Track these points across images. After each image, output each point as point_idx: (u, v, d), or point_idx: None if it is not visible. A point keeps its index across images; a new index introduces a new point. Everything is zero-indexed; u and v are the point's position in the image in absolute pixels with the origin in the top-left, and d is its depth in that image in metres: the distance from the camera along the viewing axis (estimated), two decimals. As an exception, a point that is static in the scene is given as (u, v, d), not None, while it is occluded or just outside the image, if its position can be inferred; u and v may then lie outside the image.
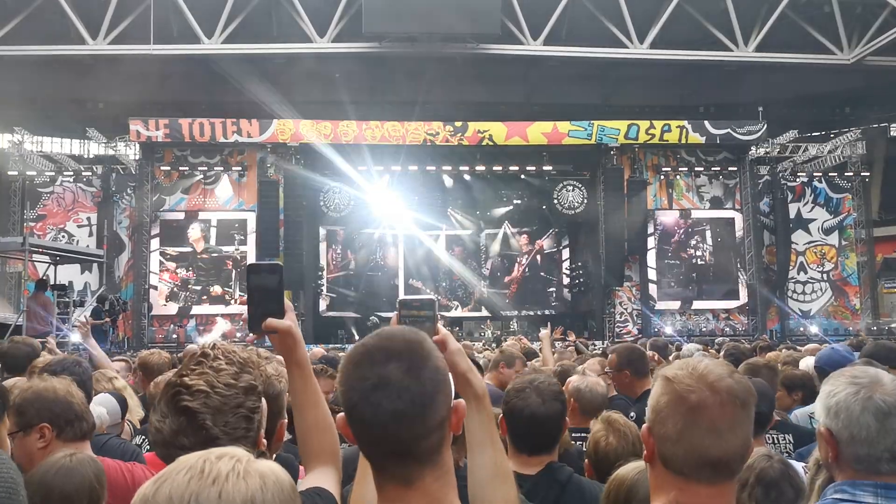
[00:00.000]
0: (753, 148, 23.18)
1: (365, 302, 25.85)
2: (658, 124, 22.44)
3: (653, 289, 23.22)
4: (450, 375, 1.29)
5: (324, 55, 21.25)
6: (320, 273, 25.02)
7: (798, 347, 8.89)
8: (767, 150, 23.51)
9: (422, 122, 22.16)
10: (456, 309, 26.44)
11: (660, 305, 23.24)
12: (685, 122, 22.55)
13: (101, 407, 3.39)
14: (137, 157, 22.28)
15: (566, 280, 26.37)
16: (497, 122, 22.30)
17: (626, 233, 22.34)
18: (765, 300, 23.09)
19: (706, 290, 23.44)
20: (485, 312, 26.48)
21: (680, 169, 23.52)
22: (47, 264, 13.92)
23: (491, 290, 26.71)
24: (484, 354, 8.27)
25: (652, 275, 23.27)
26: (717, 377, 1.42)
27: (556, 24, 20.95)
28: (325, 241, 25.60)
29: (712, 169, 23.57)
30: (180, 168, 22.41)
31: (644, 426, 1.49)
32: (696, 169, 23.55)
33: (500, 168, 23.74)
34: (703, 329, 22.84)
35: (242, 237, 22.50)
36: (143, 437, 3.64)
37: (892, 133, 25.01)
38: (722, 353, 6.12)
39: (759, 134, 22.61)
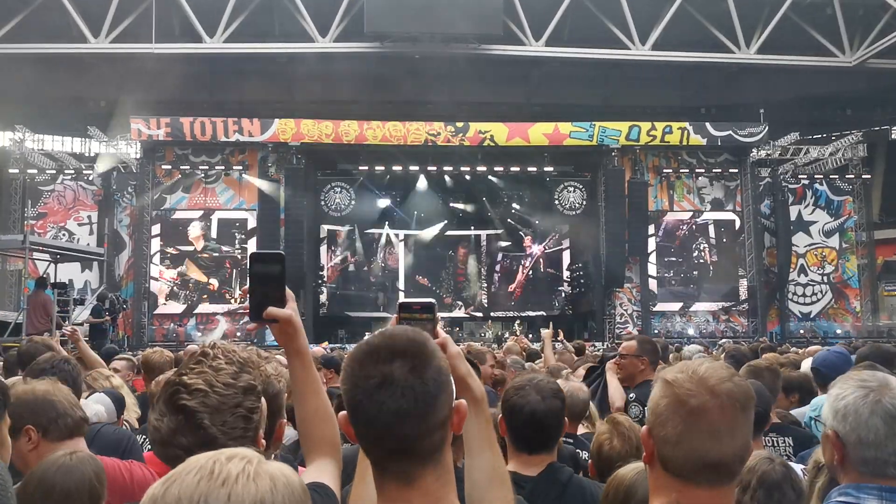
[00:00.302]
0: (755, 150, 23.18)
1: (365, 302, 25.87)
2: (659, 126, 22.44)
3: (653, 290, 23.22)
4: (451, 376, 1.30)
5: (325, 55, 21.25)
6: (321, 272, 25.03)
7: (798, 350, 8.88)
8: (769, 151, 23.51)
9: (423, 122, 22.18)
10: (459, 309, 26.44)
11: (660, 307, 23.25)
12: (686, 124, 22.56)
13: (99, 405, 3.39)
14: (138, 156, 22.28)
15: (567, 281, 26.37)
16: (498, 123, 22.31)
17: (627, 234, 22.34)
18: (765, 302, 23.09)
19: (706, 292, 23.44)
20: (485, 313, 26.48)
21: (681, 170, 23.54)
22: (48, 262, 13.94)
23: (493, 291, 26.71)
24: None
25: (652, 276, 23.28)
26: (717, 381, 1.42)
27: (557, 24, 20.96)
28: (326, 240, 25.61)
29: (713, 171, 23.58)
30: (181, 167, 22.43)
31: (644, 428, 1.49)
32: (697, 170, 23.56)
33: (501, 168, 23.75)
34: (703, 331, 22.84)
35: (243, 236, 22.51)
36: (143, 436, 3.64)
37: (893, 136, 24.97)
38: (723, 356, 6.12)
39: (761, 136, 22.62)
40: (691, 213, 23.69)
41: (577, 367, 6.20)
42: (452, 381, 1.29)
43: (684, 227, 23.70)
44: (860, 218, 24.51)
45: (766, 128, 22.57)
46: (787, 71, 22.32)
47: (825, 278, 24.09)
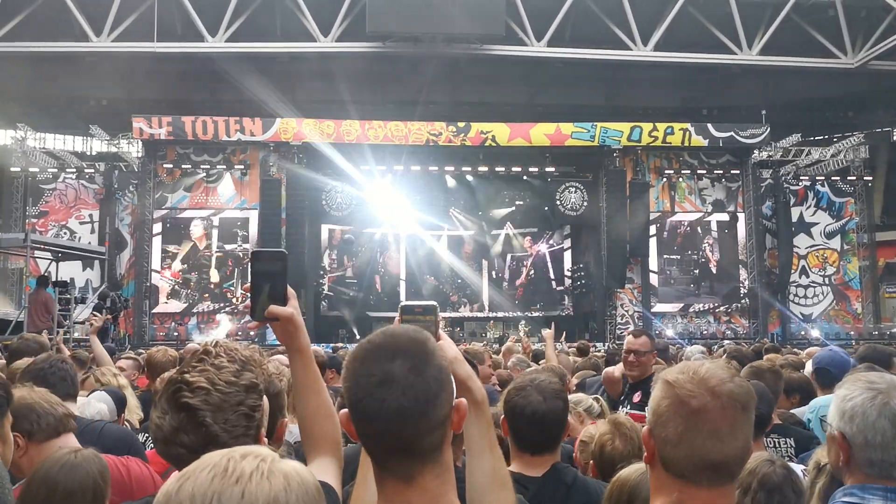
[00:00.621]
0: (756, 151, 23.18)
1: (366, 301, 25.87)
2: (661, 127, 22.43)
3: (654, 291, 23.21)
4: (451, 375, 1.30)
5: (327, 54, 21.26)
6: (322, 272, 25.04)
7: (798, 351, 8.87)
8: (770, 153, 23.50)
9: (425, 122, 22.19)
10: (460, 308, 26.45)
11: (661, 308, 23.24)
12: (688, 125, 22.55)
13: (101, 403, 3.40)
14: (140, 155, 22.30)
15: (568, 282, 26.36)
16: (500, 123, 22.31)
17: (628, 235, 22.33)
18: (766, 303, 23.08)
19: (707, 293, 23.42)
20: (487, 313, 26.48)
21: (682, 171, 23.53)
22: (49, 261, 13.93)
23: (494, 291, 26.71)
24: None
25: (653, 277, 23.29)
26: (718, 381, 1.42)
27: (559, 25, 20.95)
28: (327, 240, 25.61)
29: (715, 172, 23.57)
30: (183, 166, 22.44)
31: (645, 428, 1.49)
32: (699, 172, 23.55)
33: (502, 169, 23.75)
34: (704, 332, 22.84)
35: (244, 235, 22.52)
36: (145, 434, 3.65)
37: (895, 137, 24.97)
38: (724, 357, 6.12)
39: (762, 137, 22.61)
40: (692, 214, 23.67)
41: (576, 371, 6.19)
42: (453, 380, 1.30)
43: (685, 228, 23.69)
44: (861, 220, 24.49)
45: (768, 129, 22.56)
46: (789, 72, 22.32)
47: (826, 280, 24.08)
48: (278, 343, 1.92)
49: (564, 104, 24.01)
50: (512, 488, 1.55)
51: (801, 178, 24.28)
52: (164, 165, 22.43)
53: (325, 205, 23.28)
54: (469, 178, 24.48)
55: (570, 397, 3.34)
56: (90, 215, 22.55)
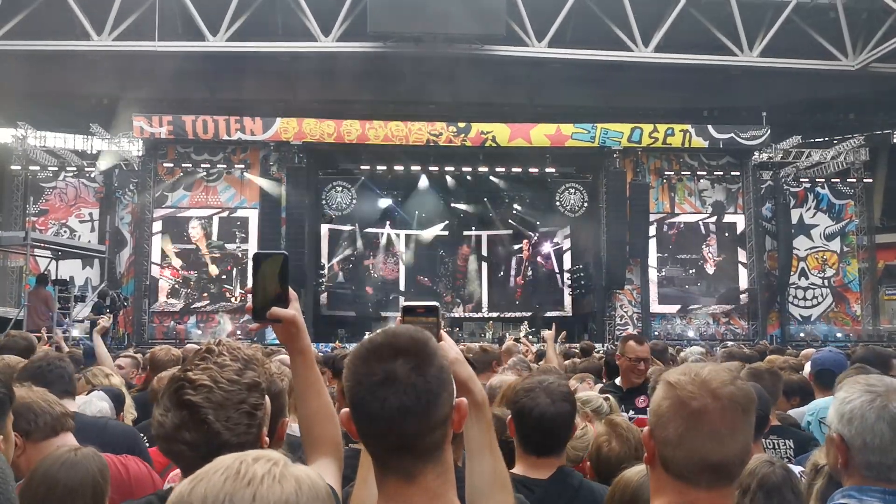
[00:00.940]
0: (756, 153, 23.19)
1: (366, 301, 25.88)
2: (661, 128, 22.44)
3: (653, 292, 23.22)
4: (452, 375, 1.31)
5: (328, 54, 21.26)
6: (321, 272, 25.05)
7: (797, 352, 8.87)
8: (770, 155, 23.50)
9: (425, 122, 22.19)
10: (458, 307, 26.45)
11: (660, 309, 23.24)
12: (688, 126, 22.55)
13: (103, 402, 3.41)
14: (140, 154, 22.30)
15: (567, 282, 26.37)
16: (500, 124, 22.32)
17: (628, 236, 22.34)
18: (765, 305, 23.08)
19: (707, 294, 23.43)
20: (486, 313, 26.49)
21: (682, 173, 23.54)
22: (49, 259, 13.95)
23: (493, 292, 26.72)
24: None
25: (653, 278, 23.27)
26: (719, 383, 1.43)
27: (560, 26, 20.94)
28: (327, 239, 25.62)
29: (715, 173, 23.58)
30: (183, 165, 22.45)
31: (645, 429, 1.50)
32: (699, 173, 23.56)
33: (502, 169, 23.75)
34: (703, 333, 22.84)
35: (244, 235, 22.52)
36: (141, 433, 3.65)
37: (895, 140, 24.97)
38: (719, 358, 6.13)
39: (763, 139, 22.62)
40: (692, 216, 23.67)
41: (577, 371, 6.17)
42: (454, 380, 1.31)
43: (685, 230, 23.69)
44: (861, 222, 24.50)
45: (768, 131, 22.57)
46: (790, 74, 22.31)
47: (826, 282, 24.09)
48: (277, 342, 1.92)
49: (565, 105, 23.99)
50: (511, 489, 1.55)
51: (801, 179, 24.30)
52: (165, 164, 22.44)
53: (325, 204, 23.28)
54: (469, 178, 24.48)
55: (579, 395, 3.33)
56: (90, 214, 22.56)
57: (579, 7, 20.71)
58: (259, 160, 22.36)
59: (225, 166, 22.55)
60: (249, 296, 1.60)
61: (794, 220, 23.82)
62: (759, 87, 23.05)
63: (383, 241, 26.60)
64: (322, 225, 25.09)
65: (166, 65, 21.53)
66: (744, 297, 23.32)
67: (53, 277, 12.88)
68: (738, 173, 23.58)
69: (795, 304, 23.93)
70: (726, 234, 23.71)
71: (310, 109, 22.36)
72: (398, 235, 26.47)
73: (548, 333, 5.95)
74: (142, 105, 21.62)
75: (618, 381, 4.60)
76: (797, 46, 21.40)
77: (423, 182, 24.67)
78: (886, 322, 24.51)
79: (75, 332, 12.44)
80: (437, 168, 23.72)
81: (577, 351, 8.86)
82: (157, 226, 22.32)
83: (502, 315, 26.19)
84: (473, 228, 27.07)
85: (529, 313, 25.70)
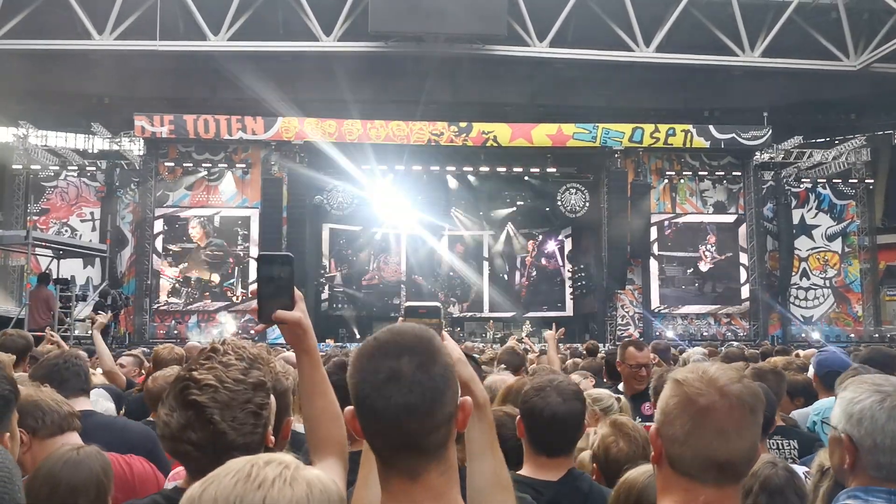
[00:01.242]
0: (758, 153, 23.17)
1: (367, 301, 25.88)
2: (663, 128, 22.43)
3: (654, 292, 23.20)
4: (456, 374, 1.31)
5: (329, 54, 21.26)
6: (323, 272, 25.05)
7: (800, 353, 8.85)
8: (772, 155, 23.49)
9: (426, 122, 22.19)
10: (454, 306, 26.45)
11: (661, 309, 23.22)
12: (690, 127, 22.54)
13: (109, 402, 3.41)
14: (142, 153, 22.31)
15: (568, 282, 26.36)
16: (502, 124, 22.31)
17: (629, 236, 22.33)
18: (766, 306, 23.06)
19: (708, 295, 23.41)
20: (487, 313, 26.48)
21: (684, 173, 23.52)
22: (50, 258, 13.97)
23: (494, 292, 26.71)
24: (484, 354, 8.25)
25: (654, 278, 23.26)
26: (727, 381, 1.43)
27: (562, 26, 20.93)
28: (328, 239, 25.62)
29: (716, 173, 23.56)
30: (184, 164, 22.44)
31: (653, 427, 1.50)
32: (700, 173, 23.54)
33: (503, 169, 23.74)
34: (705, 333, 22.83)
35: (245, 234, 22.52)
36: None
37: (896, 140, 24.99)
38: (720, 357, 6.12)
39: (764, 139, 22.60)
40: (694, 216, 23.65)
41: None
42: (457, 379, 1.31)
43: (687, 230, 23.67)
44: (863, 222, 24.47)
45: (770, 131, 22.55)
46: (791, 74, 22.30)
47: (827, 282, 24.07)
48: (280, 342, 1.92)
49: (566, 105, 23.99)
50: (513, 490, 1.55)
51: (803, 180, 24.28)
52: (166, 164, 22.44)
53: (326, 204, 23.28)
54: (470, 178, 24.47)
55: (589, 392, 3.33)
56: (91, 213, 22.55)
57: (580, 7, 20.70)
58: (260, 160, 22.35)
59: (226, 166, 22.54)
60: (254, 298, 1.60)
61: (796, 220, 23.80)
62: (761, 87, 23.04)
63: (384, 240, 26.59)
64: (323, 225, 25.09)
65: (167, 64, 21.56)
66: (745, 298, 23.29)
67: (55, 276, 12.90)
68: (739, 173, 23.56)
69: (797, 305, 23.91)
70: (728, 235, 23.69)
71: (311, 109, 22.36)
72: (399, 235, 26.46)
73: (549, 333, 5.94)
74: (143, 104, 21.62)
75: (620, 387, 4.59)
76: (799, 47, 21.38)
77: (424, 182, 24.66)
78: (888, 323, 24.50)
79: (77, 332, 12.45)
80: (438, 168, 23.72)
81: (583, 352, 8.89)
82: (158, 225, 22.31)
83: (503, 315, 26.18)
84: (474, 228, 27.06)
85: (530, 314, 25.69)
